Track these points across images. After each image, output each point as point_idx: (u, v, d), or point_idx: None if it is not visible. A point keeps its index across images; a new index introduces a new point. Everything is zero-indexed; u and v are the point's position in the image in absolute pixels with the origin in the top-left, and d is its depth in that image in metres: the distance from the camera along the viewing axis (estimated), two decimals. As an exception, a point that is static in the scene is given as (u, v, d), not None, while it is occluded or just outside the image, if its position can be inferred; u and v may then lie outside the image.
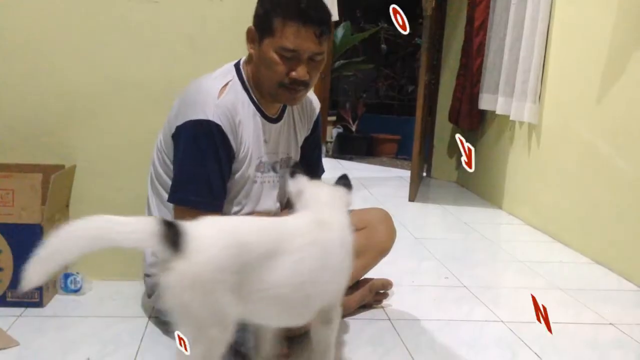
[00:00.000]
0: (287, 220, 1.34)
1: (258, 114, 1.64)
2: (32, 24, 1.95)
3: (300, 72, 1.53)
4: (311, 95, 1.82)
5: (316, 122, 1.85)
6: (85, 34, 1.97)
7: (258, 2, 1.59)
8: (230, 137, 1.57)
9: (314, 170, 1.82)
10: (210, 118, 1.53)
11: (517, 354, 1.67)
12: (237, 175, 1.62)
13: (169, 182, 1.63)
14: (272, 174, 1.71)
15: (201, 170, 1.54)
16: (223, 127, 1.54)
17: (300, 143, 1.81)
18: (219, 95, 1.56)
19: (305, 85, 1.58)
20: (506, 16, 3.69)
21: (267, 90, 1.61)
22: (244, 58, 1.69)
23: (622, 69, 2.57)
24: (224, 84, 1.59)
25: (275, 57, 1.52)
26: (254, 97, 1.64)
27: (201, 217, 1.20)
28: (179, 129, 1.56)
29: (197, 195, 1.54)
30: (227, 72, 1.65)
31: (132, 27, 1.99)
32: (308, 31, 1.50)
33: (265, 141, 1.67)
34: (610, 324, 1.95)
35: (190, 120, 1.54)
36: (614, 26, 2.64)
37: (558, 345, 1.76)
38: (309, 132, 1.84)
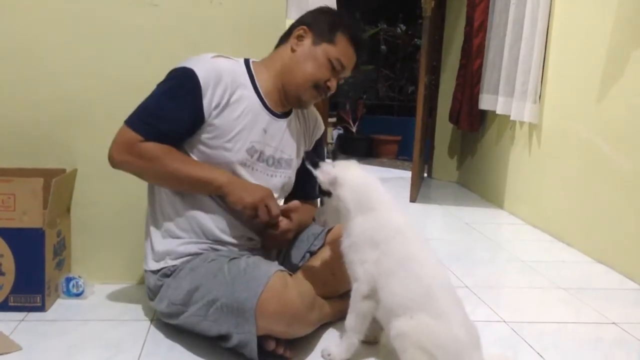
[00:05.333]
0: None
1: (260, 103, 1.68)
2: (32, 27, 1.95)
3: (333, 84, 1.72)
4: (317, 114, 1.92)
5: (319, 141, 1.91)
6: (86, 38, 1.98)
7: (322, 11, 1.77)
8: (207, 92, 1.59)
9: (307, 190, 1.87)
10: (193, 68, 1.60)
11: (519, 354, 1.67)
12: (224, 152, 1.63)
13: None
14: (263, 164, 1.71)
15: (153, 102, 1.62)
16: (201, 81, 1.58)
17: (301, 152, 1.83)
18: (215, 58, 1.65)
19: (327, 95, 1.76)
20: (506, 16, 3.70)
21: (300, 84, 1.69)
22: (253, 59, 1.75)
23: (621, 68, 2.57)
24: (222, 56, 1.67)
25: (327, 62, 1.69)
26: (259, 89, 1.69)
27: (141, 142, 1.56)
28: None
29: (140, 122, 1.60)
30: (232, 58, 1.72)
31: (132, 30, 1.99)
32: (354, 60, 1.75)
33: (265, 130, 1.70)
34: (612, 323, 1.95)
35: (176, 68, 1.63)
36: (613, 26, 2.64)
37: (560, 344, 1.76)
38: (310, 147, 1.89)
